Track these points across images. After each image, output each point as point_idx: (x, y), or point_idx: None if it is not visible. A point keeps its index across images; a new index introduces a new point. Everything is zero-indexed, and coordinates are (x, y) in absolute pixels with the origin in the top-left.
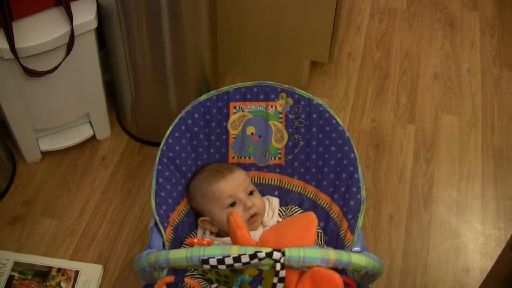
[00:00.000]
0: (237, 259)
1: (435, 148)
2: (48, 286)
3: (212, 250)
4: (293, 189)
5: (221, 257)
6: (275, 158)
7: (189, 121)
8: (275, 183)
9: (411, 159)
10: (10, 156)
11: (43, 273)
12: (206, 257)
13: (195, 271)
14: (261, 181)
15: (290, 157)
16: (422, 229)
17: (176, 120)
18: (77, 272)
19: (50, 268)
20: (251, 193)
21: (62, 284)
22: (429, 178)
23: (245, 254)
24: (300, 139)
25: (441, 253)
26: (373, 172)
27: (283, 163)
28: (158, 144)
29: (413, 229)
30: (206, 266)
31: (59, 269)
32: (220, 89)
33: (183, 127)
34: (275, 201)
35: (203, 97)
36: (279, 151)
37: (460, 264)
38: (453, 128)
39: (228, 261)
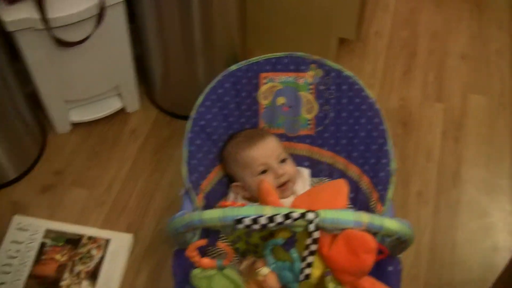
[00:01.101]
0: (271, 219)
1: (463, 128)
2: (79, 253)
3: (246, 210)
4: (323, 160)
5: (255, 216)
6: (305, 129)
7: (220, 91)
8: (305, 154)
9: (439, 138)
10: (41, 126)
11: (74, 241)
12: (240, 217)
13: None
14: (291, 151)
15: (320, 128)
16: (450, 208)
17: (207, 89)
18: (107, 241)
19: (81, 236)
20: (283, 161)
21: (93, 252)
22: (458, 157)
23: (279, 214)
24: (330, 111)
25: (469, 231)
26: (401, 150)
27: (314, 133)
28: (186, 118)
29: (441, 207)
30: (240, 226)
31: (90, 237)
32: (250, 59)
33: (214, 97)
34: (306, 172)
35: (233, 67)
36: (309, 121)
37: (488, 243)
38: (481, 108)
39: (262, 220)
